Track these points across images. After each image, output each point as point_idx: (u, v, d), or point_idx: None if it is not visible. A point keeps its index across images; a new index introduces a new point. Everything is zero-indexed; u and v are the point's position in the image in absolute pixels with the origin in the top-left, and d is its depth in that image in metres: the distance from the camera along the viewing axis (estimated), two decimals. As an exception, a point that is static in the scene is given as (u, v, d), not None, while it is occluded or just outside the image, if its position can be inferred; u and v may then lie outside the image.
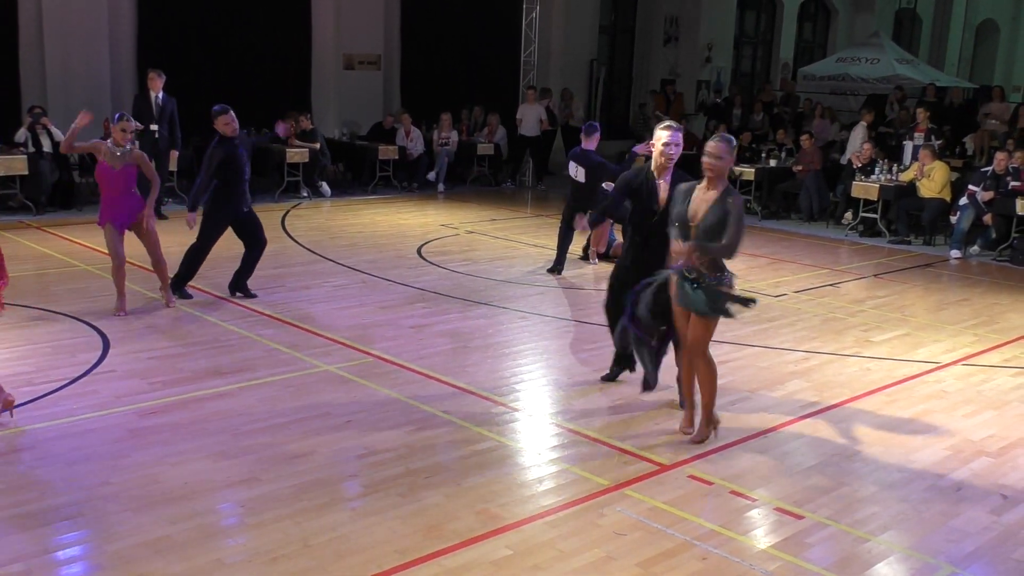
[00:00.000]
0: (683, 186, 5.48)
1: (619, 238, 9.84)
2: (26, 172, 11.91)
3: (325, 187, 14.78)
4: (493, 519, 4.56)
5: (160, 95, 12.00)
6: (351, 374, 6.54)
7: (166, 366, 6.55)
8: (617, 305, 6.00)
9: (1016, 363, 7.53)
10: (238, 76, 15.17)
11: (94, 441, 5.26)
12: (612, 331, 6.23)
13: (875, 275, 10.73)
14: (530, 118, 16.68)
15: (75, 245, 10.41)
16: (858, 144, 14.23)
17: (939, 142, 14.05)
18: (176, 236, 11.14)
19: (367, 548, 4.23)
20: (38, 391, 5.95)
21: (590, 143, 9.84)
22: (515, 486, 4.95)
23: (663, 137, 5.89)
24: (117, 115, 7.86)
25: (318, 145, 14.64)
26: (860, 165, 13.47)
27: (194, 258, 8.33)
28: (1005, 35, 30.19)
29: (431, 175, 15.97)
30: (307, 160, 14.41)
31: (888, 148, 14.71)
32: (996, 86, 18.95)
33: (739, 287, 5.52)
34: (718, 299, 5.30)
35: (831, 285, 10.08)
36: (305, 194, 14.50)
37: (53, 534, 4.25)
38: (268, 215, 12.87)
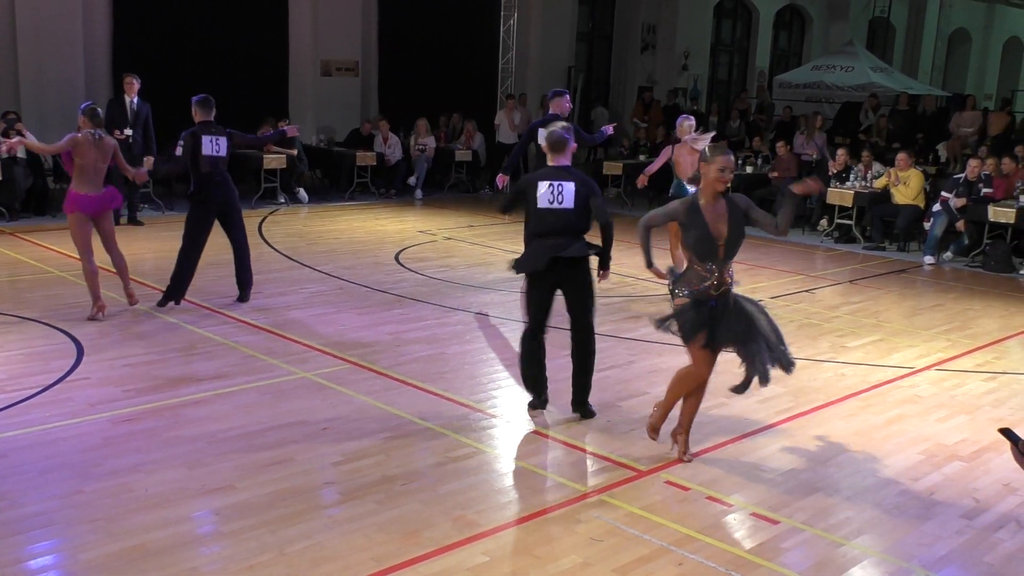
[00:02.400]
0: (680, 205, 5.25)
1: None
2: (0, 178, 11.80)
3: (302, 193, 14.74)
4: (470, 526, 4.55)
5: (135, 99, 11.92)
6: (328, 381, 6.52)
7: (141, 373, 6.50)
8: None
9: (988, 368, 7.61)
10: (215, 82, 15.07)
11: (67, 449, 5.21)
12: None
13: (850, 281, 10.82)
14: (508, 125, 16.72)
15: (49, 251, 10.31)
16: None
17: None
18: (151, 243, 11.07)
19: (343, 555, 4.21)
20: (10, 399, 5.89)
21: (556, 108, 9.54)
22: (492, 492, 4.95)
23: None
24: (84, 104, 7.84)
25: (295, 151, 14.60)
26: (835, 172, 13.58)
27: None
28: (976, 44, 30.60)
29: (411, 180, 15.95)
30: (284, 166, 14.37)
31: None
32: (968, 95, 19.19)
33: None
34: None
35: (807, 291, 10.16)
36: (282, 200, 14.45)
37: (25, 543, 4.20)
38: (245, 221, 12.78)
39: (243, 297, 8.53)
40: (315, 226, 12.90)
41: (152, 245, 10.92)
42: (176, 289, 8.24)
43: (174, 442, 5.37)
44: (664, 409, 5.56)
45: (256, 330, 7.67)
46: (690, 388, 5.41)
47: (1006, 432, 2.39)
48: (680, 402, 5.51)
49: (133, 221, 12.20)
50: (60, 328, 7.42)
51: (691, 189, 8.70)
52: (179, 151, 8.09)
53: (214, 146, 8.14)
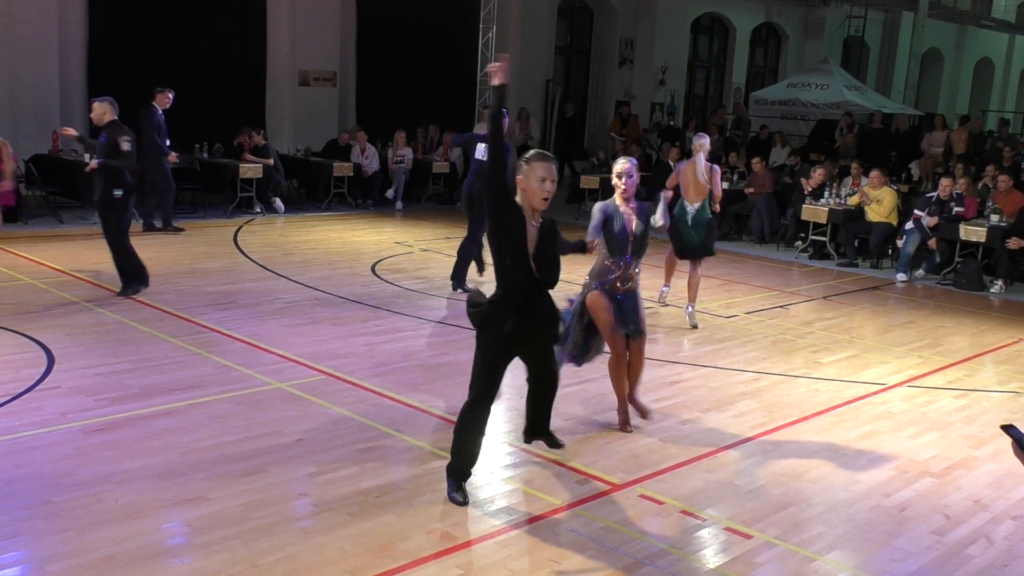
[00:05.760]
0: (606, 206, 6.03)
1: None
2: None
3: (279, 203, 14.66)
4: (444, 538, 4.54)
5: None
6: (303, 392, 6.48)
7: (113, 382, 6.43)
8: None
9: (959, 385, 7.69)
10: (192, 90, 15.03)
11: (36, 459, 5.15)
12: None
13: (824, 297, 10.90)
14: (486, 137, 16.72)
15: (20, 258, 10.19)
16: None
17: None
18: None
19: (317, 568, 4.18)
20: (-21, 407, 5.81)
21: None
22: (467, 505, 4.93)
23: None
24: None
25: (271, 161, 14.53)
26: (811, 189, 13.69)
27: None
28: (949, 64, 31.05)
29: (389, 192, 15.92)
30: (260, 176, 14.30)
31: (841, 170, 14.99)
32: (938, 114, 19.45)
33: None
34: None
35: (781, 307, 10.23)
36: (258, 210, 14.37)
37: (-8, 554, 4.14)
38: (220, 230, 12.76)
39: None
40: (291, 236, 12.85)
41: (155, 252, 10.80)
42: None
43: (146, 452, 5.31)
44: (622, 403, 6.17)
45: (230, 340, 7.62)
46: (620, 369, 6.11)
47: (1009, 429, 2.38)
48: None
49: (167, 227, 12.40)
50: (31, 336, 7.33)
51: (690, 209, 8.97)
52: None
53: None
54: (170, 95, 12.35)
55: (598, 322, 6.02)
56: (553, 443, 5.61)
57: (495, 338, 4.85)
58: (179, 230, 12.36)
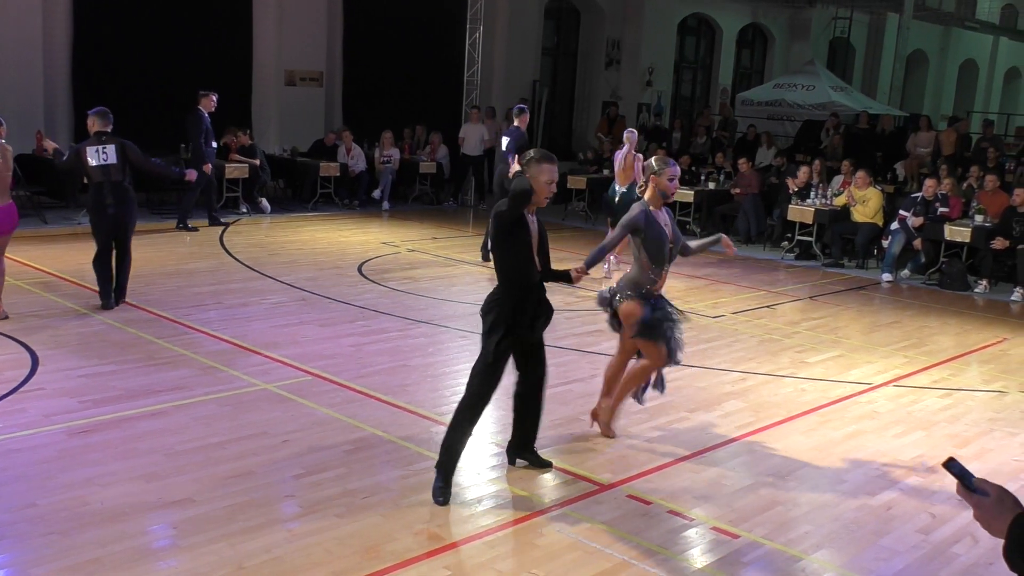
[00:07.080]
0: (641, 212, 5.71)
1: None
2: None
3: (265, 203, 14.62)
4: (432, 539, 4.53)
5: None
6: (289, 392, 6.46)
7: (97, 384, 6.39)
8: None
9: (944, 384, 7.73)
10: (177, 90, 14.96)
11: (20, 461, 5.11)
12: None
13: (810, 297, 10.94)
14: (473, 137, 16.73)
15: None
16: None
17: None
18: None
19: (303, 570, 4.17)
20: (-38, 409, 5.77)
21: (521, 122, 11.19)
22: (454, 506, 4.92)
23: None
24: None
25: (257, 161, 14.49)
26: (796, 189, 13.74)
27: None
28: (933, 66, 31.20)
29: (376, 192, 15.90)
30: (247, 176, 14.25)
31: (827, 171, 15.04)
32: (924, 115, 19.54)
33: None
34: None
35: (767, 307, 10.25)
36: (244, 210, 14.33)
37: (-24, 558, 4.11)
38: (207, 231, 12.71)
39: (108, 304, 8.33)
40: (277, 236, 12.81)
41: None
42: (103, 291, 8.38)
43: (131, 454, 5.29)
44: (618, 404, 6.01)
45: (216, 341, 7.59)
46: (645, 380, 5.96)
47: (950, 465, 2.24)
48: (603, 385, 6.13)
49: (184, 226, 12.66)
50: (14, 338, 7.29)
51: (620, 190, 11.01)
52: (65, 156, 8.50)
53: (100, 155, 8.30)
54: (214, 98, 12.66)
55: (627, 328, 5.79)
56: (539, 462, 5.45)
57: (502, 334, 4.95)
58: (195, 229, 12.72)
